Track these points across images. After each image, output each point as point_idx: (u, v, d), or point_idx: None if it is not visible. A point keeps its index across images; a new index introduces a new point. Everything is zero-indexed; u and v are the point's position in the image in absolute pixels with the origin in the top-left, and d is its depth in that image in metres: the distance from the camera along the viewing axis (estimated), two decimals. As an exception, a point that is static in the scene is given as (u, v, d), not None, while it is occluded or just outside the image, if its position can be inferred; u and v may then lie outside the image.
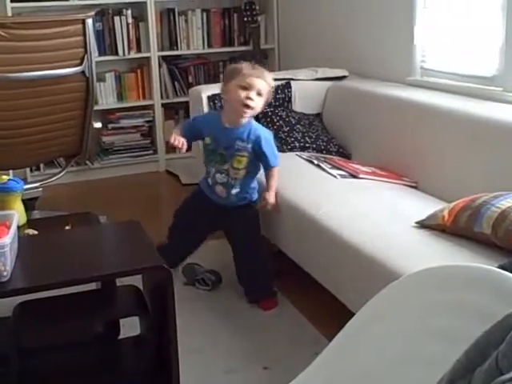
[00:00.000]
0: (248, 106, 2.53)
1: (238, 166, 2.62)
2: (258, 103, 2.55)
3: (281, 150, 3.24)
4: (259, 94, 2.54)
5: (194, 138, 2.78)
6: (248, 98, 2.52)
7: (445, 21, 3.13)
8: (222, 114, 2.70)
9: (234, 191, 2.66)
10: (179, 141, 2.61)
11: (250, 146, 2.60)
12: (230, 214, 2.70)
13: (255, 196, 2.74)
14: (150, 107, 4.68)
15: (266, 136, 2.65)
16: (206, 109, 3.42)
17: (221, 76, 4.83)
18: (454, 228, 2.11)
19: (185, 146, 2.63)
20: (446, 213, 2.15)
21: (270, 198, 2.63)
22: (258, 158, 2.64)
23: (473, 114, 2.59)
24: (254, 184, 2.73)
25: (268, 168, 2.66)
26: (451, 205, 2.18)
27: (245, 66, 2.60)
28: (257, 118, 3.44)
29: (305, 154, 3.17)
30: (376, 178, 2.80)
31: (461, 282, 1.21)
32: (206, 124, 2.69)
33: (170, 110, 4.78)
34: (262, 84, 2.54)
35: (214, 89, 3.55)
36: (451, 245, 2.07)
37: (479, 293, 1.17)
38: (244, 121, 2.60)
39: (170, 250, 2.72)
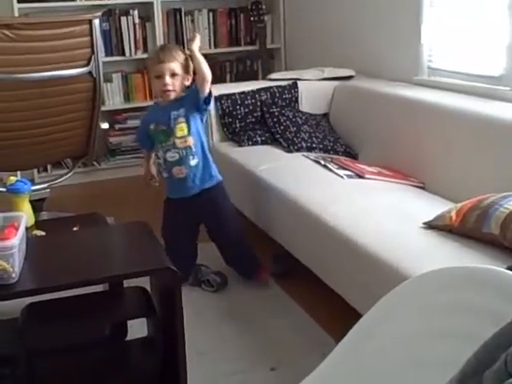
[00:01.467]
0: (167, 91, 2.63)
1: (181, 133, 2.66)
2: (175, 83, 2.63)
3: (288, 151, 3.25)
4: (173, 74, 2.62)
5: (149, 137, 2.80)
6: (163, 84, 2.61)
7: (452, 20, 3.12)
8: (157, 102, 2.81)
9: (193, 162, 2.68)
10: (151, 178, 2.83)
11: (182, 109, 2.66)
12: (200, 204, 2.74)
13: (219, 177, 2.78)
14: (157, 107, 4.67)
15: (187, 92, 2.71)
16: (212, 109, 3.43)
17: (227, 76, 4.85)
18: (462, 229, 2.10)
19: (155, 181, 2.84)
20: (453, 213, 2.14)
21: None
22: (191, 104, 2.66)
23: (480, 113, 2.58)
24: (212, 162, 2.76)
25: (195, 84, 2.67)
26: (459, 205, 2.17)
27: (151, 56, 2.67)
28: (264, 118, 3.46)
29: (312, 155, 3.16)
30: (383, 178, 2.80)
31: (469, 283, 1.21)
32: (149, 116, 2.80)
33: (177, 111, 4.78)
34: (169, 66, 2.61)
35: (221, 89, 3.56)
36: (459, 246, 2.06)
37: (488, 294, 1.16)
38: (176, 95, 2.68)
39: (177, 265, 2.73)
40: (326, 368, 1.36)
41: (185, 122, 2.66)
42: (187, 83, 2.70)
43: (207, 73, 2.61)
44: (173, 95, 2.65)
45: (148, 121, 2.76)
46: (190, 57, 2.65)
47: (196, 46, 2.64)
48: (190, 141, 2.67)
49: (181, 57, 2.66)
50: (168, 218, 2.82)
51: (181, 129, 2.66)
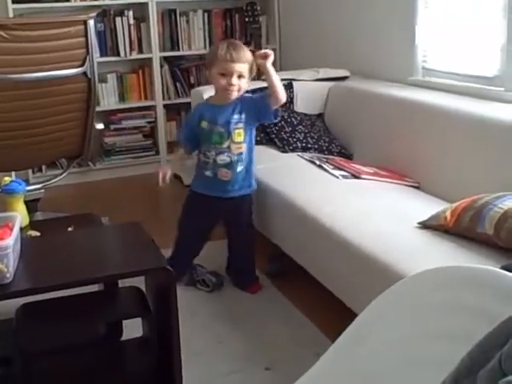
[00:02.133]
0: (232, 90, 2.59)
1: (238, 139, 2.65)
2: (240, 84, 2.60)
3: (283, 151, 3.25)
4: (240, 76, 2.58)
5: (196, 137, 2.74)
6: (229, 83, 2.57)
7: (446, 21, 3.13)
8: (209, 99, 2.77)
9: (239, 169, 2.67)
10: (162, 176, 2.68)
11: (242, 115, 2.64)
12: (231, 207, 2.74)
13: (254, 184, 2.77)
14: (152, 108, 4.68)
15: (245, 96, 2.69)
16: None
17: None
18: (457, 229, 2.11)
19: (166, 181, 2.68)
20: (448, 213, 2.15)
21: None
22: (253, 113, 2.65)
23: (474, 113, 2.58)
24: (253, 171, 2.75)
25: (264, 96, 2.65)
26: (453, 205, 2.17)
27: (221, 52, 2.57)
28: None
29: (307, 155, 3.17)
30: (378, 178, 2.80)
31: (464, 283, 1.21)
32: (201, 113, 2.70)
33: (172, 111, 4.78)
34: (240, 67, 2.57)
35: (216, 90, 3.55)
36: (454, 245, 2.07)
37: (482, 294, 1.16)
38: (235, 97, 2.65)
39: (180, 260, 2.76)
40: (320, 368, 1.36)
41: (243, 128, 2.65)
42: (248, 84, 2.68)
43: (283, 95, 2.60)
44: (234, 96, 2.61)
45: (199, 118, 2.68)
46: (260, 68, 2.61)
47: (270, 63, 2.58)
48: (244, 147, 2.66)
49: (250, 58, 2.62)
50: (191, 210, 2.79)
51: (239, 134, 2.65)
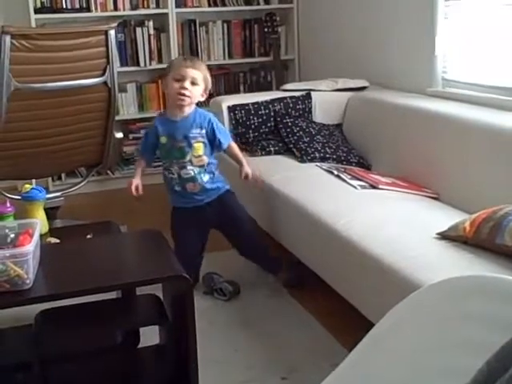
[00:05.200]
0: (183, 95, 2.63)
1: (198, 152, 2.71)
2: (193, 91, 2.66)
3: (301, 161, 3.25)
4: (193, 83, 2.65)
5: (155, 150, 2.82)
6: (182, 87, 2.62)
7: (466, 31, 3.12)
8: (166, 112, 2.82)
9: (206, 178, 2.73)
10: (134, 187, 2.76)
11: (203, 131, 2.71)
12: (214, 210, 2.78)
13: (227, 185, 2.83)
14: (171, 117, 4.70)
15: (213, 117, 2.77)
16: (226, 119, 3.45)
17: (241, 87, 4.87)
18: (476, 239, 2.09)
19: (140, 191, 2.77)
20: (467, 224, 2.13)
21: (247, 169, 2.80)
22: (212, 141, 2.74)
23: (494, 124, 2.57)
24: (219, 173, 2.82)
25: (227, 146, 2.79)
26: (473, 216, 2.16)
27: (178, 59, 2.71)
28: (277, 128, 3.47)
29: (325, 165, 3.16)
30: (396, 188, 2.79)
31: (481, 292, 1.20)
32: (158, 128, 2.74)
33: (191, 121, 4.81)
34: (194, 73, 2.65)
35: (235, 99, 3.58)
36: (473, 256, 2.05)
37: (500, 303, 1.16)
38: (189, 110, 2.70)
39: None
40: (336, 378, 1.36)
41: (203, 142, 2.71)
42: (202, 99, 2.73)
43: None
44: (186, 102, 2.66)
45: (158, 133, 2.73)
46: None
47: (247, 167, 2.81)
48: (205, 160, 2.72)
49: (205, 70, 2.70)
50: (179, 227, 2.82)
51: (198, 148, 2.70)
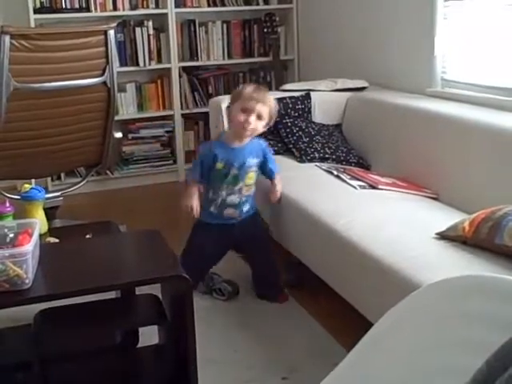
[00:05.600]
0: (247, 128, 2.62)
1: (250, 181, 2.71)
2: (256, 126, 2.63)
3: (300, 161, 3.25)
4: (259, 117, 2.62)
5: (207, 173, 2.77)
6: (247, 121, 2.60)
7: (465, 31, 3.12)
8: (223, 137, 2.76)
9: (245, 208, 2.74)
10: (196, 209, 2.70)
11: (258, 160, 2.72)
12: (241, 230, 2.75)
13: (255, 207, 2.83)
14: (170, 117, 4.71)
15: (266, 147, 2.79)
16: (225, 119, 3.44)
17: (241, 86, 4.86)
18: (475, 240, 2.09)
19: (195, 207, 2.70)
20: (466, 224, 2.13)
21: (279, 195, 2.81)
22: (263, 169, 2.77)
23: (494, 125, 2.57)
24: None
25: (274, 175, 2.79)
26: (472, 216, 2.16)
27: (248, 90, 2.66)
28: (277, 128, 3.47)
29: (324, 165, 3.16)
30: (396, 189, 2.79)
31: (480, 291, 1.20)
32: (215, 153, 2.67)
33: (190, 121, 4.81)
34: (262, 108, 2.62)
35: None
36: (472, 256, 2.05)
37: (500, 303, 1.16)
38: (248, 139, 2.69)
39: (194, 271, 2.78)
40: (335, 378, 1.36)
41: (255, 171, 2.72)
42: (263, 129, 2.71)
43: None
44: (248, 135, 2.66)
45: (215, 158, 2.65)
46: None
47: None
48: (252, 189, 2.74)
49: (273, 105, 2.68)
50: (200, 240, 2.77)
51: (251, 177, 2.72)
